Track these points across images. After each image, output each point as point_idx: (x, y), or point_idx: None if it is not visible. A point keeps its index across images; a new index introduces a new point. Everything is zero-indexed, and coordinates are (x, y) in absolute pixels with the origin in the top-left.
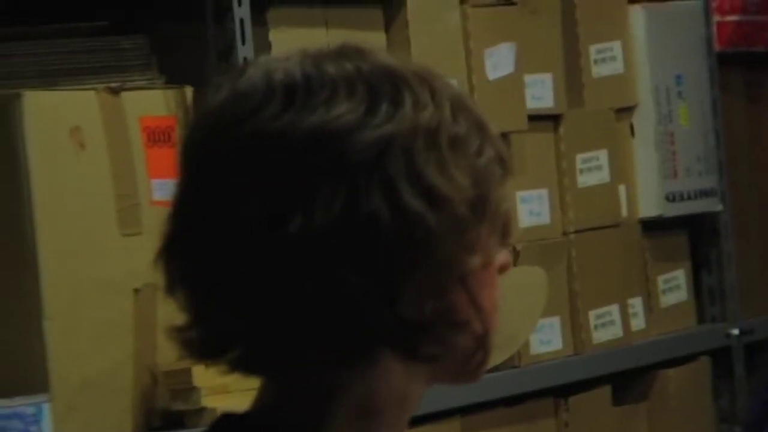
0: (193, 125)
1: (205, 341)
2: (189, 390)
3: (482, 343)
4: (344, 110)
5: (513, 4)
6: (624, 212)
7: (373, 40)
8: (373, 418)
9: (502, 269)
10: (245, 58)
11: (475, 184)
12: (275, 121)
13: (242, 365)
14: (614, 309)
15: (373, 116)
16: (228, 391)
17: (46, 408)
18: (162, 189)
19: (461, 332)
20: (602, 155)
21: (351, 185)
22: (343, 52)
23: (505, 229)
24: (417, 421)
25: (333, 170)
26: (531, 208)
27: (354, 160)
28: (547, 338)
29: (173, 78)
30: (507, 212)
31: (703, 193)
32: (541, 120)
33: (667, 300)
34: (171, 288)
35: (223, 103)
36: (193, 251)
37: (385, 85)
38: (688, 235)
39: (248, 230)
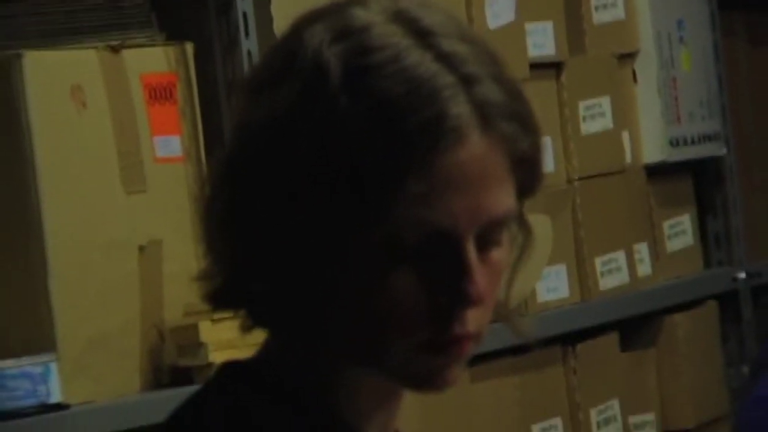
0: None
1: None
2: (196, 346)
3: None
4: None
5: None
6: (628, 158)
7: None
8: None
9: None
10: (244, 14)
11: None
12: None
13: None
14: (620, 255)
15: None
16: (235, 346)
17: (54, 367)
18: (165, 146)
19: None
20: (605, 102)
21: None
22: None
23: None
24: None
25: None
26: None
27: None
28: (553, 286)
29: (173, 34)
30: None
31: (707, 137)
32: (543, 68)
33: (673, 245)
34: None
35: None
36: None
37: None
38: (693, 180)
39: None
